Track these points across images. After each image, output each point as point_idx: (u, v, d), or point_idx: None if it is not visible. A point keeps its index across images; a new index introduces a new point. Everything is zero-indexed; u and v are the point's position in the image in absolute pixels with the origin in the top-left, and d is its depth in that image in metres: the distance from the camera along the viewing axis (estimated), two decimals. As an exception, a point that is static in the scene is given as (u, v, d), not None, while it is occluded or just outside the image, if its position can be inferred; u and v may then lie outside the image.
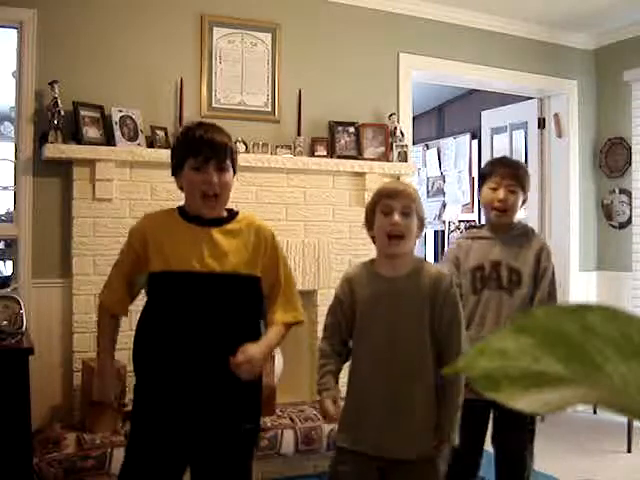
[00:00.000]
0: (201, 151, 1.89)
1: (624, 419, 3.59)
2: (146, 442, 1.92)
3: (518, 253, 2.43)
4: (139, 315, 1.99)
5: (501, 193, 2.45)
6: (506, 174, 2.47)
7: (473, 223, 2.61)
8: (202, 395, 1.88)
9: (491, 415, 2.49)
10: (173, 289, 1.90)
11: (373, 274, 2.02)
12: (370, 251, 2.11)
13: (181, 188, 1.99)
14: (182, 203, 2.01)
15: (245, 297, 1.95)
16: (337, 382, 2.03)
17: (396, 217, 1.93)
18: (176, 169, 1.97)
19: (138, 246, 1.93)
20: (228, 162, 1.94)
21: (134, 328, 2.00)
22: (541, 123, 4.89)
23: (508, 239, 2.47)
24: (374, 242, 2.04)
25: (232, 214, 2.01)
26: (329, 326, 2.08)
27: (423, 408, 1.93)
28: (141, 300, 2.03)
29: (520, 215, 2.62)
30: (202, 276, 1.87)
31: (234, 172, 1.99)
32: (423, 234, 2.10)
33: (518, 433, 2.43)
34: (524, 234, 2.51)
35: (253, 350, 1.86)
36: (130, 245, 1.97)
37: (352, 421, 1.99)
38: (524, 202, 2.53)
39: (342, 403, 2.03)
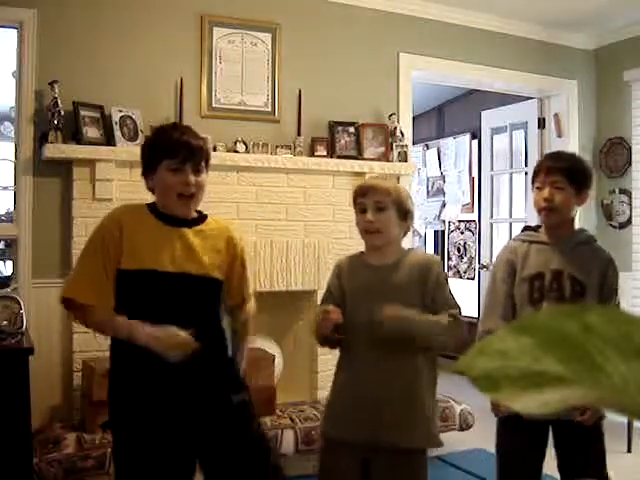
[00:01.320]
0: (178, 153, 1.89)
1: (624, 419, 3.59)
2: (140, 448, 1.89)
3: (582, 264, 2.17)
4: None
5: (546, 191, 2.17)
6: (551, 170, 2.18)
7: (527, 224, 2.33)
8: (183, 386, 1.88)
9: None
10: (144, 287, 1.89)
11: (361, 263, 2.10)
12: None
13: (151, 189, 1.99)
14: (150, 202, 2.00)
15: (211, 298, 1.98)
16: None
17: (369, 215, 2.01)
18: (148, 169, 1.96)
19: (117, 235, 1.88)
20: (203, 164, 1.96)
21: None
22: (541, 123, 4.89)
23: (570, 247, 2.20)
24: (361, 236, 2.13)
25: (202, 216, 2.03)
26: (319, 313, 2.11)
27: (412, 397, 1.95)
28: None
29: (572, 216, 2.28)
30: (175, 276, 1.88)
31: (207, 172, 2.00)
32: (410, 225, 2.11)
33: (589, 458, 2.16)
34: (587, 243, 2.26)
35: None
36: (109, 234, 1.89)
37: (339, 410, 2.02)
38: (581, 201, 2.23)
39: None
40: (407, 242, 4.12)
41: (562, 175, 2.15)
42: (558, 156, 2.31)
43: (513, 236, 2.56)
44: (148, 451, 1.88)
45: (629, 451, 3.77)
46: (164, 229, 1.93)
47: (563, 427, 2.14)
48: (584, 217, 4.73)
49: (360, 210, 2.06)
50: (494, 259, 5.55)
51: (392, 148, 3.96)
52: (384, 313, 1.87)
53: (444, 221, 6.63)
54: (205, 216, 2.03)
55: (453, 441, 3.65)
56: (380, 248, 2.06)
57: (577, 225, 2.34)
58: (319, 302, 2.18)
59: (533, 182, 2.26)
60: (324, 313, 1.95)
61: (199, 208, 2.03)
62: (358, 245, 3.78)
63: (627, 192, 4.60)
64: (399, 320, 1.88)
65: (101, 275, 1.88)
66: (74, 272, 1.98)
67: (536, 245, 2.22)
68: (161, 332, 1.79)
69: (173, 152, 1.89)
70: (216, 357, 1.99)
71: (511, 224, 5.18)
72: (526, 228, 2.36)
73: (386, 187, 2.05)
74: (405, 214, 2.06)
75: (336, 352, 2.14)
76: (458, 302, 2.05)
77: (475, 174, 6.09)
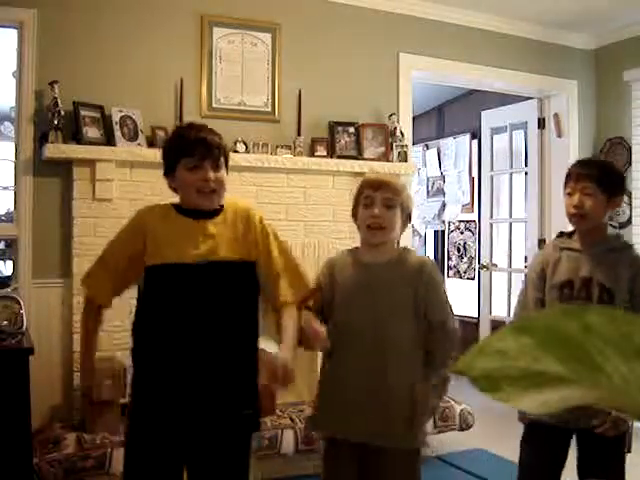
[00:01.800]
0: (196, 151, 1.91)
1: (624, 419, 3.58)
2: (147, 435, 1.92)
3: (611, 270, 2.13)
4: (134, 309, 2.00)
5: (576, 198, 2.16)
6: (580, 176, 2.17)
7: (563, 230, 2.33)
8: (201, 385, 1.89)
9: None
10: (170, 282, 1.91)
11: (355, 260, 2.07)
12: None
13: (173, 189, 2.01)
14: (175, 201, 2.03)
15: (241, 284, 1.96)
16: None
17: (376, 210, 1.97)
18: (168, 170, 1.99)
19: (140, 236, 1.94)
20: (222, 160, 1.98)
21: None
22: (541, 123, 4.89)
23: (600, 253, 2.17)
24: (359, 230, 2.09)
25: (220, 206, 2.03)
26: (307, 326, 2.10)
27: (405, 396, 1.93)
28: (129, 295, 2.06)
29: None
30: (197, 267, 1.89)
31: (227, 171, 2.02)
32: (408, 227, 2.13)
33: (606, 470, 2.16)
34: (619, 249, 2.20)
35: (284, 358, 1.89)
36: (133, 233, 1.98)
37: (328, 410, 2.02)
38: (613, 206, 2.22)
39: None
40: (407, 242, 4.13)
41: (592, 182, 2.14)
42: (588, 163, 2.32)
43: (548, 240, 2.55)
44: (148, 433, 1.91)
45: (629, 451, 3.76)
46: (187, 223, 1.95)
47: (585, 436, 2.12)
48: (584, 217, 4.74)
49: (365, 204, 2.01)
50: (494, 259, 5.55)
51: (392, 148, 3.96)
52: (416, 398, 1.90)
53: (444, 221, 6.63)
54: (222, 205, 2.02)
55: (453, 441, 3.66)
56: (377, 245, 2.04)
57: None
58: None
59: (565, 188, 2.25)
60: (314, 333, 1.91)
61: None
62: (358, 245, 3.80)
63: (627, 192, 4.60)
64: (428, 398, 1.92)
65: (103, 271, 1.98)
66: (93, 263, 2.06)
67: (567, 252, 2.21)
68: (87, 370, 2.10)
69: (190, 151, 1.91)
70: (243, 354, 1.98)
71: (511, 224, 5.19)
72: (560, 234, 2.34)
73: (399, 185, 2.05)
74: (407, 216, 2.06)
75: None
76: (450, 305, 2.04)
77: (475, 174, 6.09)
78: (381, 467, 1.95)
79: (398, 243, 2.20)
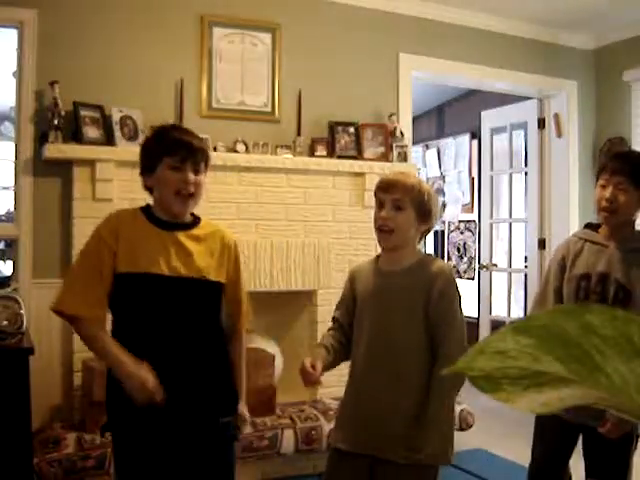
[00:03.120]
0: (179, 151, 1.89)
1: (624, 419, 3.58)
2: (134, 451, 1.90)
3: (630, 269, 2.06)
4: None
5: (608, 192, 2.10)
6: (616, 170, 2.11)
7: (591, 222, 2.26)
8: (177, 396, 1.86)
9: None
10: (140, 291, 1.88)
11: (374, 269, 2.02)
12: (370, 251, 2.12)
13: (148, 188, 1.98)
14: (144, 205, 2.00)
15: (211, 302, 1.97)
16: (331, 352, 1.99)
17: (384, 212, 1.93)
18: (147, 169, 1.95)
19: (112, 243, 1.87)
20: (202, 165, 1.95)
21: None
22: (541, 123, 4.89)
23: (623, 249, 2.10)
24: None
25: (196, 220, 2.01)
26: (335, 319, 2.09)
27: (414, 408, 1.87)
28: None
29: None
30: (170, 280, 1.87)
31: (205, 175, 1.99)
32: (431, 226, 2.01)
33: (611, 470, 2.15)
34: None
35: (246, 412, 2.04)
36: (103, 242, 1.88)
37: (346, 419, 1.99)
38: None
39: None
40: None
41: (628, 176, 2.09)
42: (626, 157, 2.24)
43: (573, 232, 2.48)
44: (145, 454, 1.88)
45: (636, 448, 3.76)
46: (158, 234, 1.92)
47: (592, 434, 2.10)
48: (584, 217, 4.74)
49: (378, 205, 1.96)
50: (494, 259, 5.53)
51: (392, 148, 3.96)
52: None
53: (444, 221, 6.63)
54: (199, 219, 2.02)
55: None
56: (394, 250, 1.96)
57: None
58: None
59: (597, 179, 2.19)
60: (305, 373, 1.89)
61: (196, 210, 2.02)
62: (358, 245, 3.81)
63: None
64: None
65: (94, 285, 1.86)
66: (64, 283, 1.95)
67: (590, 244, 2.16)
68: (139, 376, 1.77)
69: (174, 150, 1.89)
70: (216, 364, 1.98)
71: (511, 224, 5.19)
72: (587, 225, 2.30)
73: (409, 184, 1.92)
74: (425, 215, 1.95)
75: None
76: (461, 321, 1.93)
77: (475, 174, 6.09)
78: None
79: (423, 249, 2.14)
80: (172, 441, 1.89)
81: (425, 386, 1.87)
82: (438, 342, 1.89)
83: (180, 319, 1.89)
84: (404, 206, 1.91)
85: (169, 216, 1.94)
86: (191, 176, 1.90)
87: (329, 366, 1.96)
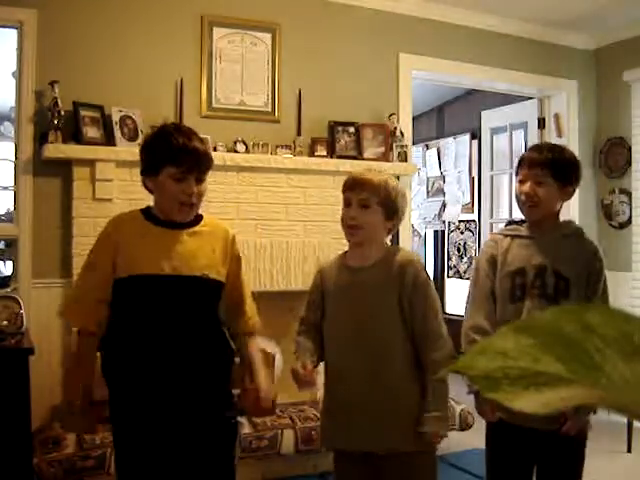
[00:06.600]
0: (184, 160, 1.85)
1: (624, 419, 3.58)
2: (135, 447, 1.91)
3: (566, 258, 2.03)
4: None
5: (527, 186, 2.08)
6: (533, 162, 2.08)
7: (513, 218, 2.18)
8: (178, 395, 1.88)
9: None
10: (142, 293, 1.88)
11: (342, 265, 2.02)
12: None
13: (149, 189, 1.97)
14: (146, 205, 2.00)
15: (211, 300, 1.97)
16: (313, 353, 2.00)
17: (351, 211, 1.95)
18: (149, 171, 1.92)
19: (112, 251, 1.89)
20: (206, 172, 1.94)
21: None
22: (541, 123, 4.89)
23: (553, 240, 2.07)
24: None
25: (198, 217, 2.00)
26: (304, 319, 2.09)
27: (396, 400, 1.89)
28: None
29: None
30: (171, 279, 1.87)
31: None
32: (397, 224, 2.02)
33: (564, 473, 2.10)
34: (572, 235, 2.11)
35: (267, 391, 2.00)
36: (104, 251, 1.91)
37: (328, 418, 2.01)
38: (567, 195, 2.12)
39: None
40: (407, 242, 4.13)
41: (544, 169, 2.05)
42: (540, 148, 2.18)
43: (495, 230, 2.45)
44: (146, 449, 1.89)
45: (629, 451, 3.77)
46: (159, 233, 1.91)
47: (543, 439, 2.04)
48: (584, 217, 4.74)
49: (345, 203, 1.98)
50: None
51: (392, 148, 3.96)
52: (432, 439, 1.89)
53: (444, 221, 6.63)
54: (200, 217, 2.00)
55: (453, 441, 3.65)
56: (361, 246, 1.97)
57: (575, 222, 2.26)
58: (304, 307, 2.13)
59: (516, 174, 2.18)
60: (295, 376, 1.91)
61: None
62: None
63: (627, 192, 4.60)
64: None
65: (94, 296, 1.90)
66: (72, 290, 2.00)
67: (518, 240, 2.11)
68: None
69: (179, 159, 1.84)
70: (218, 361, 1.98)
71: (511, 224, 5.18)
72: (510, 222, 2.27)
73: (375, 183, 1.93)
74: (392, 212, 1.95)
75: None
76: (438, 306, 1.95)
77: (475, 174, 6.09)
78: (389, 471, 1.92)
79: (392, 242, 2.15)
80: (173, 438, 1.90)
81: (408, 374, 1.90)
82: (420, 334, 1.90)
83: (182, 317, 1.89)
84: (371, 205, 1.93)
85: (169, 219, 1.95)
86: (194, 187, 1.88)
87: (315, 366, 1.99)
